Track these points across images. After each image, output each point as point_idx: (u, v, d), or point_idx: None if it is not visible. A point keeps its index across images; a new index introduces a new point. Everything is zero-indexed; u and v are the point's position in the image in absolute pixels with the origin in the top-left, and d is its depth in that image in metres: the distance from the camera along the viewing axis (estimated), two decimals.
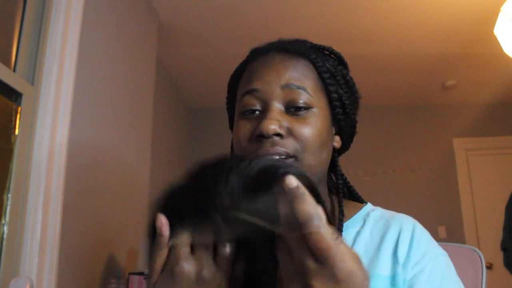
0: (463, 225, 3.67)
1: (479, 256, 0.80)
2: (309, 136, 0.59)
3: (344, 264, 0.38)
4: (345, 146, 0.71)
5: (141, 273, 1.63)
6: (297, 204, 0.38)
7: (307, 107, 0.61)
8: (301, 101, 0.60)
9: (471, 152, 3.86)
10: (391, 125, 3.91)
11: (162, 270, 0.46)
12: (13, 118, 1.26)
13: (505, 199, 2.27)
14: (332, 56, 0.69)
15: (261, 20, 2.55)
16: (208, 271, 0.45)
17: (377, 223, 0.65)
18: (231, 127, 0.72)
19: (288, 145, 0.58)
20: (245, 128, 0.61)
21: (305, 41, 0.69)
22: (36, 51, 1.38)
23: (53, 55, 1.38)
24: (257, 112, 0.62)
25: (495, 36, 2.05)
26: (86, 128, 1.58)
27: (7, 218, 1.20)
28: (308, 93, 0.61)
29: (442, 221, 3.64)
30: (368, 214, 0.67)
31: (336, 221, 0.64)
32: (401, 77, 3.41)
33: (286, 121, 0.59)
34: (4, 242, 1.19)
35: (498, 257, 2.33)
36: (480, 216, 3.68)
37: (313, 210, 0.38)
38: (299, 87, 0.61)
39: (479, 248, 3.17)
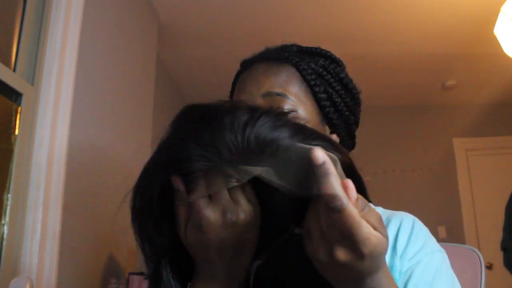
0: (463, 225, 3.67)
1: (478, 257, 0.80)
2: None
3: (368, 241, 0.39)
4: (347, 144, 0.73)
5: (141, 273, 1.63)
6: (321, 183, 0.39)
7: (289, 112, 0.64)
8: (282, 107, 0.63)
9: (471, 152, 3.86)
10: (391, 125, 3.91)
11: (187, 222, 0.50)
12: (13, 118, 1.26)
13: (505, 199, 2.27)
14: (322, 56, 0.71)
15: (261, 21, 2.55)
16: (232, 213, 0.48)
17: None
18: None
19: None
20: None
21: (291, 46, 0.71)
22: (36, 51, 1.38)
23: (53, 55, 1.38)
24: None
25: (495, 36, 2.05)
26: (86, 128, 1.58)
27: (7, 218, 1.20)
28: (288, 98, 0.64)
29: (442, 221, 3.64)
30: None
31: None
32: (401, 77, 3.41)
33: None
34: (4, 242, 1.19)
35: (498, 257, 2.33)
36: (480, 216, 3.68)
37: (337, 191, 0.38)
38: (278, 94, 0.64)
39: (479, 248, 3.17)
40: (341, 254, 0.40)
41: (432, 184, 3.76)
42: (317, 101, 0.67)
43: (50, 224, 1.29)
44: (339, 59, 0.72)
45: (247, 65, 0.71)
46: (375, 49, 2.92)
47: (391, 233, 0.64)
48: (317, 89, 0.67)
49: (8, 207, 1.20)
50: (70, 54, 1.43)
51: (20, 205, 1.25)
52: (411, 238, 0.63)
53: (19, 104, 1.28)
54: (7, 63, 1.27)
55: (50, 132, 1.33)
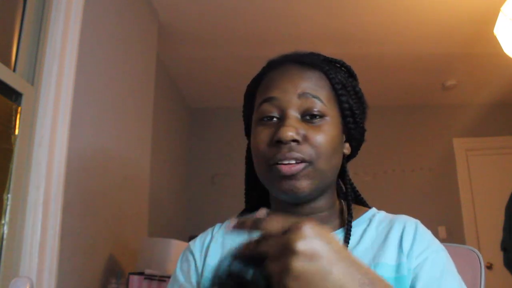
0: (463, 225, 3.67)
1: (478, 257, 0.80)
2: (323, 142, 0.64)
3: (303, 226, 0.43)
4: (353, 153, 0.76)
5: (141, 273, 1.64)
6: (245, 226, 0.47)
7: (321, 116, 0.66)
8: (316, 110, 0.65)
9: (471, 152, 3.86)
10: (391, 125, 3.91)
11: None
12: (13, 118, 1.26)
13: (505, 199, 2.27)
14: (343, 68, 0.74)
15: (261, 21, 2.55)
16: None
17: (381, 222, 0.70)
18: (246, 134, 0.77)
19: (304, 151, 0.63)
20: (263, 133, 0.67)
21: (318, 54, 0.73)
22: (36, 51, 1.38)
23: (53, 55, 1.38)
24: (274, 119, 0.67)
25: (495, 36, 2.05)
26: (86, 128, 1.58)
27: (7, 218, 1.20)
28: (322, 102, 0.66)
29: (442, 221, 3.64)
30: (373, 215, 0.72)
31: (345, 221, 0.70)
32: (401, 77, 3.41)
33: (302, 128, 0.64)
34: (4, 242, 1.19)
35: (498, 257, 2.33)
36: (480, 216, 3.68)
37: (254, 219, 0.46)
38: (314, 96, 0.66)
39: (479, 248, 3.16)
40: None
41: (432, 184, 3.76)
42: (341, 110, 0.69)
43: (50, 224, 1.29)
44: (355, 74, 0.75)
45: (276, 64, 0.72)
46: (375, 49, 2.92)
47: (396, 234, 0.67)
48: (342, 99, 0.69)
49: (8, 207, 1.20)
50: (70, 54, 1.43)
51: (20, 205, 1.25)
52: (416, 237, 0.65)
53: (19, 104, 1.28)
54: (7, 63, 1.27)
55: (50, 132, 1.33)
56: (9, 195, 1.21)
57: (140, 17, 2.22)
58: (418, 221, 0.69)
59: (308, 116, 0.65)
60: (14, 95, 1.27)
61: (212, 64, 3.13)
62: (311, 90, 0.66)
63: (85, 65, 1.55)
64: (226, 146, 3.80)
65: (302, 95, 0.65)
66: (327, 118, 0.66)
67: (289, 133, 0.62)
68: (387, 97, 3.75)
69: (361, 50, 2.88)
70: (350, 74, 0.74)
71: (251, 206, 0.79)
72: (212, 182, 3.81)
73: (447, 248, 0.70)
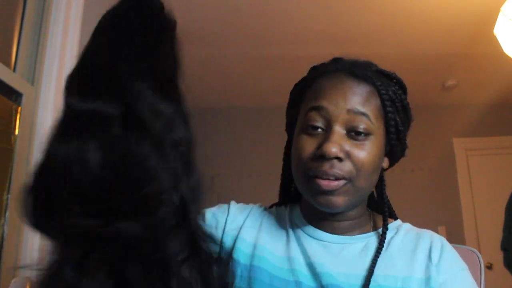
0: (463, 225, 3.67)
1: (478, 257, 0.80)
2: (365, 161, 0.64)
3: None
4: (390, 166, 0.77)
5: None
6: None
7: (367, 133, 0.65)
8: (362, 127, 0.64)
9: (471, 152, 3.86)
10: None
11: None
12: (13, 118, 1.26)
13: (505, 199, 2.27)
14: (394, 81, 0.72)
15: (262, 20, 2.55)
16: None
17: (408, 233, 0.71)
18: (286, 129, 0.77)
19: (345, 169, 0.63)
20: (307, 143, 0.66)
21: (371, 64, 0.72)
22: (36, 51, 1.38)
23: (53, 55, 1.38)
24: (319, 130, 0.66)
25: (495, 36, 2.05)
26: None
27: (7, 218, 1.20)
28: (369, 119, 0.65)
29: (442, 221, 3.64)
30: (400, 225, 0.74)
31: (373, 227, 0.73)
32: (401, 77, 3.41)
33: (346, 144, 0.64)
34: (4, 242, 1.19)
35: (498, 257, 2.33)
36: (480, 216, 3.68)
37: None
38: (362, 114, 0.65)
39: (479, 248, 3.16)
40: None
41: (432, 184, 3.75)
42: (387, 126, 0.69)
43: None
44: (405, 86, 0.74)
45: (329, 72, 0.70)
46: (375, 49, 2.92)
47: (424, 247, 0.67)
48: (390, 116, 0.68)
49: (8, 207, 1.20)
50: (70, 54, 1.43)
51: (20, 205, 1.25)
52: (444, 252, 0.66)
53: (19, 104, 1.28)
54: (7, 63, 1.27)
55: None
56: (9, 195, 1.21)
57: None
58: (444, 238, 0.71)
59: (354, 133, 0.64)
60: (14, 95, 1.27)
61: (212, 64, 3.13)
62: (361, 107, 0.65)
63: None
64: (226, 146, 3.80)
65: (350, 111, 0.64)
66: (372, 136, 0.65)
67: (333, 149, 0.62)
68: None
69: (361, 50, 2.87)
70: (400, 86, 0.73)
71: (284, 202, 0.79)
72: (212, 182, 3.81)
73: None
